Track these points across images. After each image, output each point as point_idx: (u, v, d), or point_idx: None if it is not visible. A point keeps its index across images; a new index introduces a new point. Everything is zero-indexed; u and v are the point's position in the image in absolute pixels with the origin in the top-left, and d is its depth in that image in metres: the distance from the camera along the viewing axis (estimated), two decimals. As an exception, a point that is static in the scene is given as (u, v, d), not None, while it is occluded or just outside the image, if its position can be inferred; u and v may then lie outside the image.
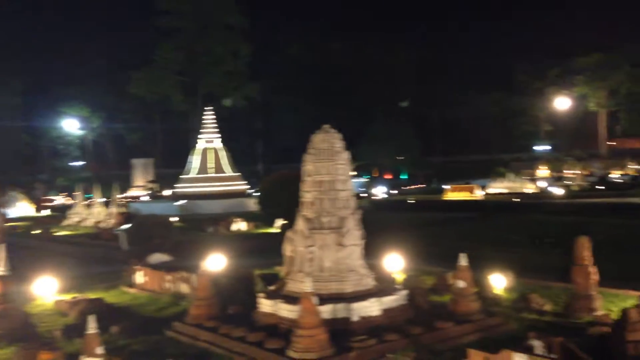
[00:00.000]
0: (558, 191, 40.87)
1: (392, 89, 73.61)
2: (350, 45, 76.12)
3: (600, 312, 10.89)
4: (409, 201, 39.27)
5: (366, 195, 46.15)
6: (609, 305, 11.67)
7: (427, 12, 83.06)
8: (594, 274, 11.33)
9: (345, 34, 76.54)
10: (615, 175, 54.25)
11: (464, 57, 79.12)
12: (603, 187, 42.20)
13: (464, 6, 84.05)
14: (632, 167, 56.33)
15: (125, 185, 54.33)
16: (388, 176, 68.26)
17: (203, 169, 39.52)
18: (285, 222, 22.87)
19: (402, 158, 70.59)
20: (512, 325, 10.62)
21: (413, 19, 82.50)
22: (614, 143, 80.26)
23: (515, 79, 75.61)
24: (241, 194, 39.00)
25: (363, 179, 60.10)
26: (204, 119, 41.01)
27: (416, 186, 56.79)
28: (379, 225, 25.17)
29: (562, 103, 72.06)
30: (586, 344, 8.94)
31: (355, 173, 66.85)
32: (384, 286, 11.10)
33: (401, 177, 68.72)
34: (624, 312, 8.80)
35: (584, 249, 11.43)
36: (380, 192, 48.52)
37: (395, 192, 50.07)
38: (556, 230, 21.02)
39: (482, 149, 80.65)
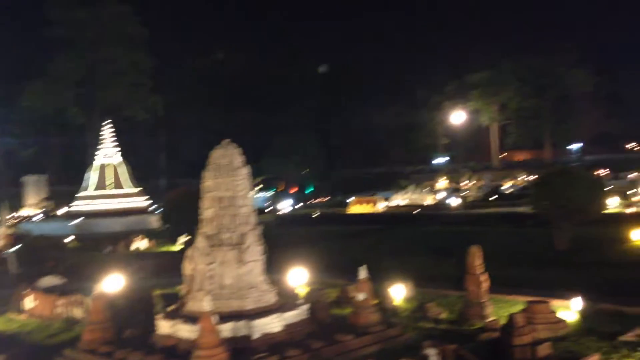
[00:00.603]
0: (455, 202, 42.62)
1: (297, 102, 74.26)
2: (255, 58, 76.23)
3: (491, 319, 11.43)
4: (313, 215, 39.57)
5: (271, 209, 46.09)
6: (500, 311, 12.28)
7: (332, 28, 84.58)
8: (485, 282, 11.90)
9: (251, 47, 76.62)
10: (506, 186, 57.34)
11: (368, 71, 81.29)
12: (496, 198, 44.41)
13: (367, 21, 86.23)
14: (521, 178, 59.72)
15: (17, 204, 51.17)
16: (294, 190, 68.53)
17: (101, 185, 37.99)
18: (188, 239, 22.39)
19: (308, 171, 71.23)
20: (410, 335, 10.93)
21: (319, 34, 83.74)
22: (505, 155, 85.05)
23: (415, 93, 78.45)
24: (142, 211, 37.78)
25: (269, 193, 60.02)
26: (102, 133, 39.51)
27: (321, 199, 57.35)
28: (284, 239, 25.24)
29: (458, 117, 75.55)
30: (478, 350, 9.38)
31: (260, 187, 66.67)
32: (285, 301, 11.11)
33: (307, 190, 69.22)
34: (511, 317, 9.30)
35: (476, 258, 12.00)
36: (285, 205, 48.60)
37: (301, 205, 50.34)
38: (452, 240, 21.90)
39: (386, 161, 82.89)
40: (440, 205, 42.75)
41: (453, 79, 75.40)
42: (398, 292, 13.76)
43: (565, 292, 12.50)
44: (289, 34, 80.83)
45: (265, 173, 70.09)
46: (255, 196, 59.35)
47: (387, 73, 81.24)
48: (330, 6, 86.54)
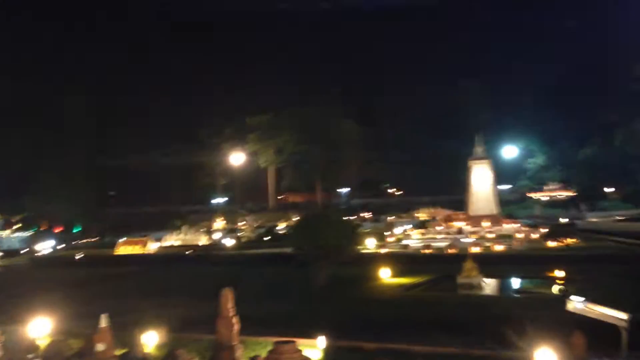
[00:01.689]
0: (229, 242, 42.96)
1: (66, 135, 69.13)
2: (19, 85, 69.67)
3: (242, 361, 11.40)
4: (77, 256, 36.73)
5: (28, 250, 41.88)
6: (251, 353, 12.35)
7: (105, 61, 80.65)
8: (236, 324, 11.89)
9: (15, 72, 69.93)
10: (280, 226, 59.38)
11: (147, 109, 79.21)
12: (270, 238, 45.69)
13: (138, 60, 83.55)
14: (294, 219, 62.33)
15: None
16: (58, 229, 63.15)
17: None
18: None
19: (75, 210, 66.35)
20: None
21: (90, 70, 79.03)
22: (281, 197, 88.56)
23: (196, 134, 78.24)
24: None
25: (28, 233, 54.56)
26: None
27: (89, 239, 53.71)
28: (35, 284, 22.94)
29: (236, 158, 77.05)
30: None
31: (19, 226, 60.34)
32: (15, 356, 9.90)
33: (74, 230, 64.25)
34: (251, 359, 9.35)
35: (228, 300, 11.95)
36: (46, 246, 44.51)
37: (64, 246, 46.51)
38: (219, 281, 21.78)
39: (163, 200, 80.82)
40: (215, 245, 42.78)
41: (232, 121, 77.00)
42: (150, 339, 13.14)
43: (313, 331, 13.03)
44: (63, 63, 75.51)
45: (26, 210, 63.72)
46: (11, 236, 53.50)
47: (170, 112, 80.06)
48: (108, 41, 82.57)
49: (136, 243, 39.12)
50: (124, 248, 38.26)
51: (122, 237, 43.40)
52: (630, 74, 67.29)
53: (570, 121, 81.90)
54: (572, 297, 10.76)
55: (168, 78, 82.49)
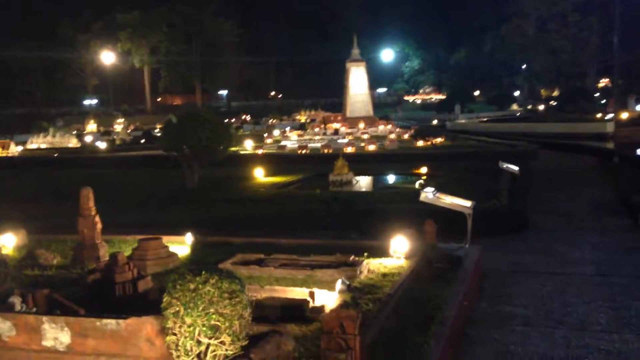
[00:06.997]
0: (102, 145, 41.41)
1: None
2: None
3: (105, 260, 11.27)
4: None
5: None
6: (117, 250, 12.20)
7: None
8: (99, 223, 11.69)
9: None
10: (158, 129, 57.73)
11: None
12: (144, 141, 44.47)
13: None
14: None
15: None
16: None
17: None
18: None
19: None
20: (11, 284, 10.11)
21: None
22: (159, 99, 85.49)
23: (58, 30, 72.10)
24: None
25: None
26: None
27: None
28: None
29: (107, 57, 72.33)
30: (82, 292, 9.16)
31: None
32: None
33: None
34: (113, 255, 9.30)
35: (88, 199, 11.65)
36: None
37: None
38: (86, 184, 21.06)
39: (28, 102, 75.34)
40: (86, 148, 41.16)
41: (100, 17, 71.64)
42: (9, 241, 12.63)
43: (184, 229, 13.07)
44: None
45: None
46: None
47: (28, 6, 72.68)
48: None
49: (-4, 146, 36.63)
50: (-15, 151, 35.75)
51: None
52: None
53: (443, 25, 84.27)
54: (425, 189, 11.52)
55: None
